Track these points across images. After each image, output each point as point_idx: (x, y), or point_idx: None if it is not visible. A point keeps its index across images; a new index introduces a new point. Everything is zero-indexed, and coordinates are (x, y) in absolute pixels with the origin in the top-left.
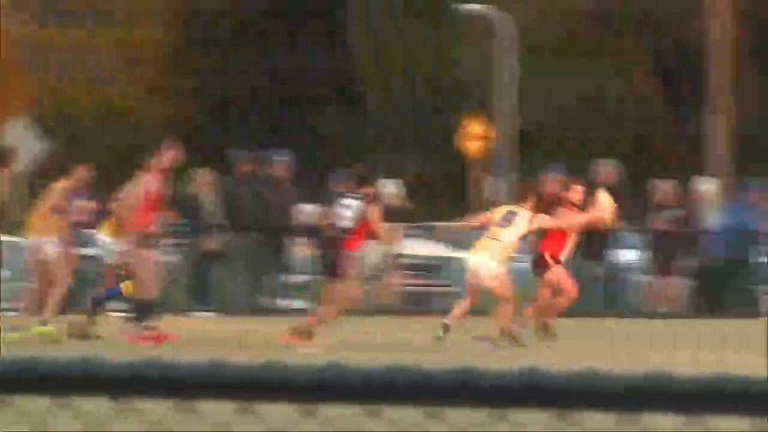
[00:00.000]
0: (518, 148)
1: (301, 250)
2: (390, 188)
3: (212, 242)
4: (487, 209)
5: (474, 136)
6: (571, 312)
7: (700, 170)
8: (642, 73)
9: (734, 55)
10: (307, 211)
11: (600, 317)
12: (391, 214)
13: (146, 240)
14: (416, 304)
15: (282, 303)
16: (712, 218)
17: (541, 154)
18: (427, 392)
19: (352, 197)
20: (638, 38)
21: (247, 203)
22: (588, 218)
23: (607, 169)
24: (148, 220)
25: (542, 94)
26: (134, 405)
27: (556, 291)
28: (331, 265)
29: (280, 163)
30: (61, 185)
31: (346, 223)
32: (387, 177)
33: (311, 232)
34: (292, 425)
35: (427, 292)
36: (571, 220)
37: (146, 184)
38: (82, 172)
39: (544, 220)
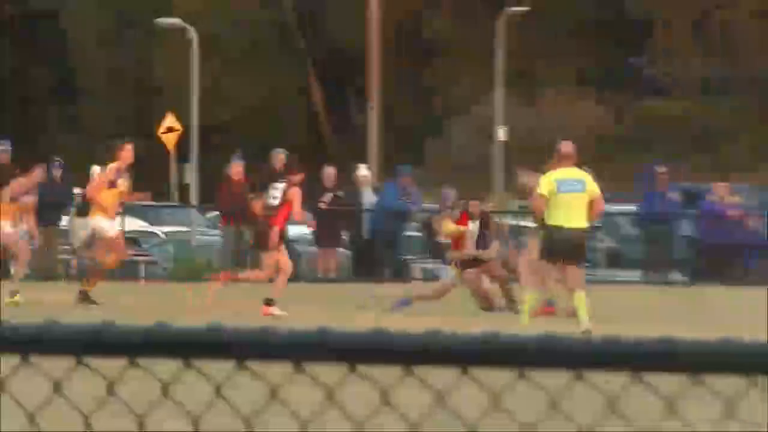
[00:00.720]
0: (206, 139)
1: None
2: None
3: None
4: (184, 192)
5: (170, 130)
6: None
7: (360, 157)
8: (310, 73)
9: (385, 58)
10: None
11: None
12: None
13: None
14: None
15: None
16: (369, 198)
17: (226, 144)
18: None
19: (281, 181)
20: (307, 44)
21: None
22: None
23: (281, 157)
24: None
25: (227, 93)
26: None
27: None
28: (263, 239)
29: (1, 151)
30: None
31: (274, 203)
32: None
33: None
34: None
35: (130, 261)
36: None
37: None
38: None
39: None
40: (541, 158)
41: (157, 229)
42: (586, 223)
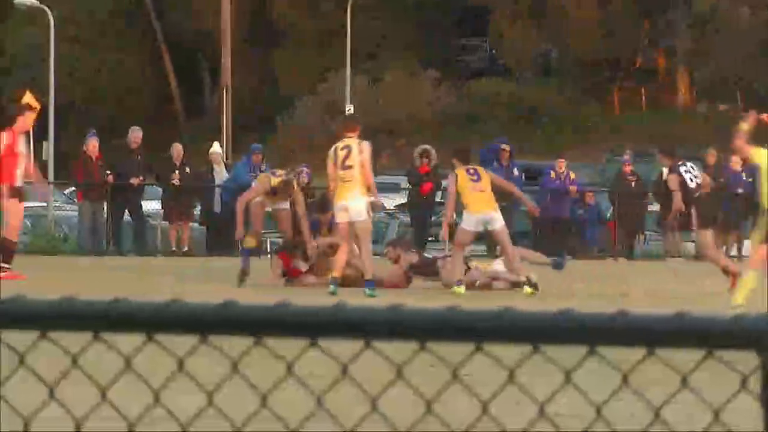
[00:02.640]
0: (62, 117)
1: None
2: None
3: None
4: (43, 168)
5: (27, 107)
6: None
7: (212, 136)
8: (163, 54)
9: (237, 39)
10: None
11: (134, 256)
12: None
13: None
14: None
15: None
16: (221, 175)
17: (82, 122)
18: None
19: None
20: (161, 26)
21: None
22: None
23: (135, 134)
24: None
25: (82, 72)
26: None
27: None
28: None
29: None
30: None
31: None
32: None
33: None
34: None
35: None
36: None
37: None
38: None
39: None
40: (385, 135)
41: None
42: None
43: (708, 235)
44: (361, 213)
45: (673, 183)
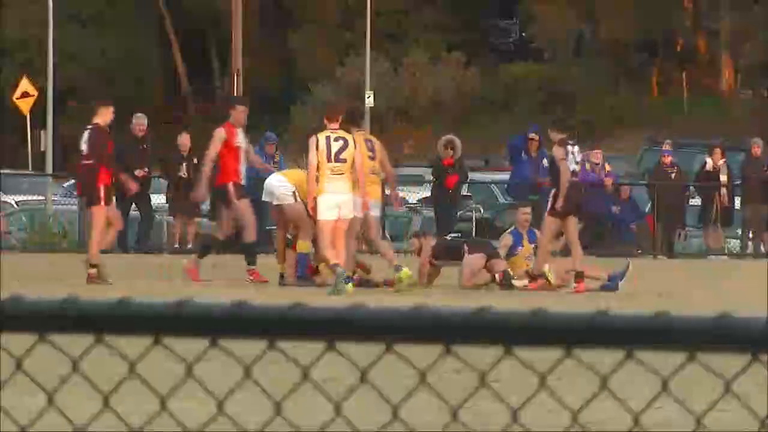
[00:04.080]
0: (61, 104)
1: None
2: None
3: None
4: (42, 158)
5: (25, 95)
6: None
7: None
8: (171, 38)
9: (249, 24)
10: None
11: (143, 254)
12: None
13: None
14: None
15: None
16: None
17: (82, 109)
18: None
19: None
20: (168, 7)
21: None
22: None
23: (139, 122)
24: None
25: (83, 56)
26: None
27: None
28: None
29: None
30: None
31: None
32: None
33: None
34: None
35: None
36: None
37: None
38: None
39: None
40: (407, 119)
41: (9, 199)
42: None
43: (555, 224)
44: (351, 210)
45: (560, 153)
